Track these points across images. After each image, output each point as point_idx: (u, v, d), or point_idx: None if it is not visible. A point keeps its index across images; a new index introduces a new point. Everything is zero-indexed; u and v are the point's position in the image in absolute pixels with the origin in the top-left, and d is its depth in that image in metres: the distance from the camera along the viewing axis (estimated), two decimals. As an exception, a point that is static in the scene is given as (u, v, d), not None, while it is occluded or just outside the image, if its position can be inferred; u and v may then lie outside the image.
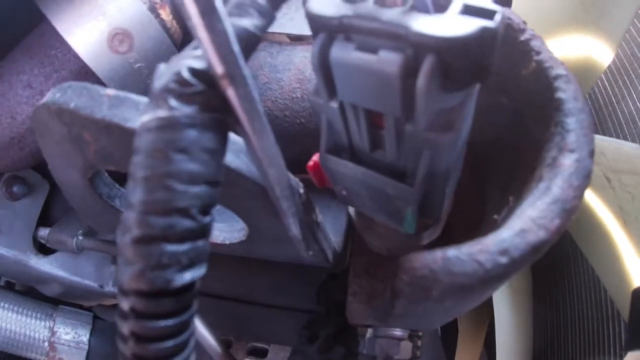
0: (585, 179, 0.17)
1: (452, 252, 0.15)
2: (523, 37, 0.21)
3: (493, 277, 0.15)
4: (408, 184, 0.17)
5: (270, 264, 0.30)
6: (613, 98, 0.60)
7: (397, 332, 0.28)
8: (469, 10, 0.14)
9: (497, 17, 0.14)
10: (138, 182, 0.13)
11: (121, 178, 0.31)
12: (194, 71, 0.13)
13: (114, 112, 0.18)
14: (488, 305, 0.57)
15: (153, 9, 0.30)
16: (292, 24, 0.32)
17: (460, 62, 0.14)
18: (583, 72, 0.55)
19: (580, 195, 0.17)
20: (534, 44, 0.20)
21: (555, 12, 0.54)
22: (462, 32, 0.13)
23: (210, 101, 0.13)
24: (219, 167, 0.14)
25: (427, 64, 0.13)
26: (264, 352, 0.40)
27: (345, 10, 0.15)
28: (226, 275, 0.37)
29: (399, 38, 0.14)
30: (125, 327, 0.13)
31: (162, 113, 0.13)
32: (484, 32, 0.13)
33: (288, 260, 0.28)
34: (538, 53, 0.20)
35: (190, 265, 0.13)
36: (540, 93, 0.20)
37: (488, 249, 0.15)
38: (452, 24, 0.13)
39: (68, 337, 0.42)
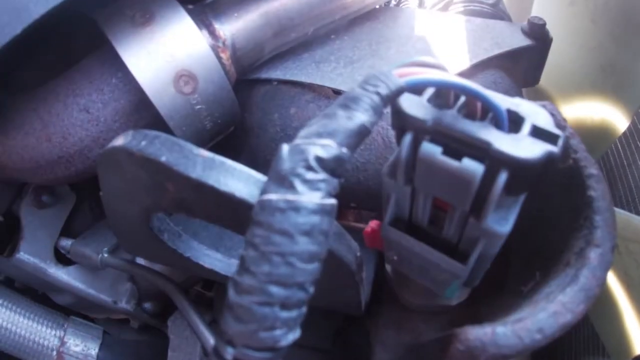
0: (606, 271, 0.21)
1: (500, 328, 0.19)
2: (565, 133, 0.25)
3: (528, 349, 0.19)
4: (461, 262, 0.21)
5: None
6: (625, 161, 0.64)
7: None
8: (537, 133, 0.18)
9: (560, 143, 0.18)
10: (263, 255, 0.15)
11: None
12: (319, 160, 0.16)
13: (208, 174, 0.21)
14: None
15: (216, 53, 0.34)
16: (341, 79, 0.36)
17: (525, 176, 0.18)
18: (599, 136, 0.60)
19: (601, 284, 0.21)
20: (573, 142, 0.25)
21: (576, 76, 0.59)
22: (532, 155, 0.17)
23: (331, 189, 0.16)
24: (328, 245, 0.17)
25: (502, 177, 0.17)
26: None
27: (434, 114, 0.18)
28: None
29: (482, 150, 0.17)
30: None
31: (290, 196, 0.15)
32: (548, 156, 0.17)
33: (323, 305, 0.32)
34: (575, 152, 0.24)
35: (295, 328, 0.16)
36: (573, 187, 0.24)
37: (528, 327, 0.19)
38: (524, 146, 0.17)
39: (77, 348, 0.44)
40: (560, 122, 0.25)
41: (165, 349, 0.46)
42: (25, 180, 0.38)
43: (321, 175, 0.16)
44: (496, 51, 0.38)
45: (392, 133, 0.35)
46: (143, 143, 0.22)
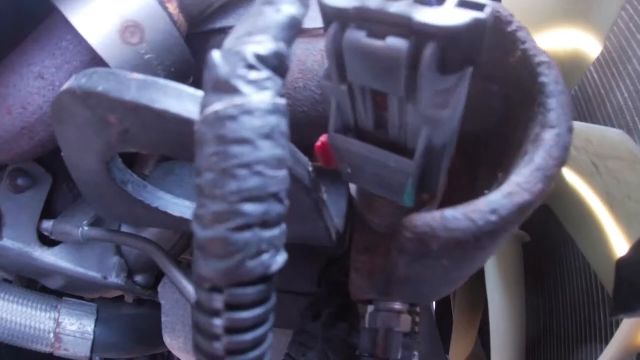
0: (564, 151, 0.20)
1: (448, 211, 0.18)
2: (510, 28, 0.24)
3: (485, 233, 0.18)
4: (408, 157, 0.20)
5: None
6: (602, 89, 0.63)
7: (397, 306, 0.31)
8: (463, 4, 0.17)
9: (487, 10, 0.17)
10: (224, 172, 0.13)
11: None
12: (259, 57, 0.14)
13: (141, 94, 0.20)
14: (481, 294, 0.60)
15: (162, 2, 0.33)
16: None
17: (455, 48, 0.17)
18: (572, 64, 0.59)
19: (559, 164, 0.20)
20: (520, 34, 0.24)
21: (544, 5, 0.58)
22: (457, 22, 0.16)
23: (279, 88, 0.15)
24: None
25: (428, 50, 0.16)
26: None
27: (356, 2, 0.18)
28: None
29: (405, 26, 0.17)
30: (217, 326, 0.14)
31: (238, 100, 0.14)
32: (475, 22, 0.16)
33: (293, 239, 0.31)
34: (523, 42, 0.23)
35: (281, 248, 0.14)
36: (525, 78, 0.23)
37: (480, 209, 0.18)
38: (449, 15, 0.16)
39: (73, 327, 0.44)
40: (506, 18, 0.24)
41: (159, 320, 0.45)
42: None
43: (265, 73, 0.15)
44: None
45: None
46: (83, 80, 0.22)
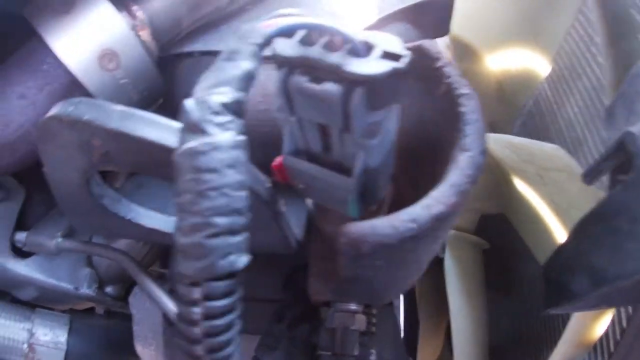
0: (476, 170, 0.26)
1: (377, 220, 0.24)
2: (437, 65, 0.30)
3: (406, 238, 0.24)
4: (350, 176, 0.26)
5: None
6: (554, 104, 0.71)
7: (352, 307, 0.37)
8: (386, 55, 0.23)
9: (405, 60, 0.23)
10: (199, 194, 0.19)
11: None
12: (223, 105, 0.20)
13: (123, 123, 0.26)
14: (446, 299, 0.66)
15: (135, 31, 0.38)
16: (258, 44, 0.40)
17: (378, 91, 0.22)
18: (523, 81, 0.66)
19: (472, 181, 0.26)
20: (446, 69, 0.30)
21: (496, 26, 0.65)
22: (378, 71, 0.22)
23: (239, 128, 0.20)
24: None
25: (356, 93, 0.22)
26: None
27: (301, 51, 0.23)
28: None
29: (338, 74, 0.22)
30: (196, 313, 0.19)
31: (208, 139, 0.19)
32: (394, 71, 0.22)
33: (257, 248, 0.36)
34: (448, 77, 0.29)
35: (244, 250, 0.20)
36: (448, 108, 0.29)
37: (402, 218, 0.24)
38: (373, 65, 0.22)
39: (47, 338, 0.48)
40: (434, 55, 0.30)
41: (130, 331, 0.50)
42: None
43: (228, 117, 0.20)
44: (401, 5, 0.43)
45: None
46: (70, 108, 0.27)
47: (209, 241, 0.19)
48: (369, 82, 0.22)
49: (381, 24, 0.43)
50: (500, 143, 0.54)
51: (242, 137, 0.20)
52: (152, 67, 0.39)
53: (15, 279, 0.49)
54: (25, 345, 0.48)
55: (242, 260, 0.20)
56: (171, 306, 0.41)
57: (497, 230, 0.68)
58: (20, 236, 0.48)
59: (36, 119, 0.38)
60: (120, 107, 0.26)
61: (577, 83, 0.67)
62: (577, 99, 0.66)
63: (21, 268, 0.49)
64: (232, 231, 0.19)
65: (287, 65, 0.23)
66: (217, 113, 0.20)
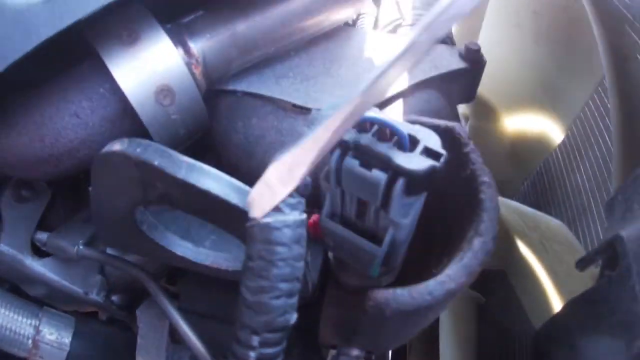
0: (487, 254, 0.32)
1: (399, 290, 0.29)
2: (466, 150, 0.35)
3: (422, 307, 0.29)
4: (378, 244, 0.31)
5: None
6: (564, 171, 0.76)
7: (355, 352, 0.42)
8: (427, 152, 0.28)
9: (442, 159, 0.28)
10: (270, 262, 0.24)
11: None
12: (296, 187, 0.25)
13: (190, 175, 0.31)
14: (436, 346, 0.71)
15: (190, 69, 0.43)
16: (297, 94, 0.46)
17: (416, 182, 0.28)
18: (536, 146, 0.73)
19: (481, 264, 0.31)
20: (472, 156, 0.35)
21: (519, 91, 0.71)
22: (420, 167, 0.27)
23: (304, 207, 0.26)
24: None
25: (399, 182, 0.27)
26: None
27: (355, 137, 0.29)
28: (214, 296, 0.49)
29: (386, 164, 0.28)
30: (252, 357, 0.25)
31: (282, 217, 0.25)
32: (432, 169, 0.27)
33: None
34: (474, 163, 0.35)
35: (296, 309, 0.25)
36: (470, 192, 0.34)
37: (420, 290, 0.29)
38: (416, 161, 0.27)
39: (52, 337, 0.52)
40: (464, 141, 0.36)
41: (131, 340, 0.54)
42: (12, 174, 0.46)
43: (298, 198, 0.26)
44: (433, 73, 0.49)
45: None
46: (138, 150, 0.32)
47: (273, 302, 0.24)
48: (410, 176, 0.27)
49: (412, 90, 0.48)
50: (509, 208, 0.60)
51: (304, 216, 0.26)
52: (201, 104, 0.44)
53: (30, 275, 0.53)
54: (30, 341, 0.52)
55: (294, 317, 0.25)
56: (181, 324, 0.46)
57: (496, 286, 0.73)
58: (42, 236, 0.52)
59: (85, 138, 0.43)
60: (187, 159, 0.31)
61: (588, 152, 0.73)
62: (586, 168, 0.71)
63: (37, 266, 0.53)
64: (291, 294, 0.25)
65: (341, 146, 0.29)
66: (290, 195, 0.25)
